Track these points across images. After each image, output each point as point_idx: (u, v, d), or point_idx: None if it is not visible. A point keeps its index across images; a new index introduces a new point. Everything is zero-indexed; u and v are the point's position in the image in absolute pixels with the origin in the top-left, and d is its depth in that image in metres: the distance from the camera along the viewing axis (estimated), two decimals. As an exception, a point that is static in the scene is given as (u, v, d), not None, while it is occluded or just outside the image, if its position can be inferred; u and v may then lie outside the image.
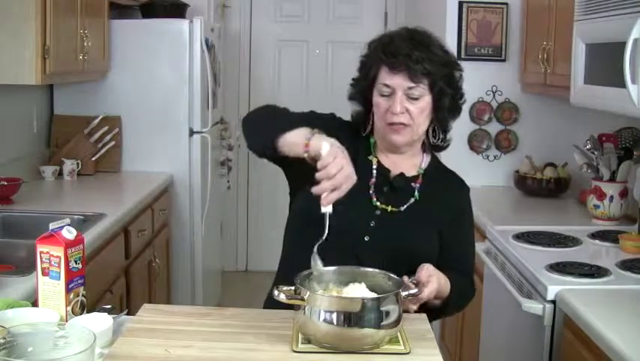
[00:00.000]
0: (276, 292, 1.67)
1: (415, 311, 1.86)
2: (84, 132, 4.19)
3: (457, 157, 4.16)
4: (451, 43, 4.12)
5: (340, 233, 1.83)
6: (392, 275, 1.77)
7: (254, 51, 5.92)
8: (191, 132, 4.35)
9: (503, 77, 4.14)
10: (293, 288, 1.68)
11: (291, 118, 1.96)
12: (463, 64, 4.23)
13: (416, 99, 1.93)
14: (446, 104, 2.00)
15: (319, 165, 1.71)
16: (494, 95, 4.16)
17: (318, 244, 1.74)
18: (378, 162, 2.04)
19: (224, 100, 5.42)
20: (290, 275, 1.73)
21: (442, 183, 2.09)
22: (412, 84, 1.91)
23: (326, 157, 1.71)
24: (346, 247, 1.87)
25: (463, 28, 4.10)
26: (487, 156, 4.22)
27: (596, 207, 3.25)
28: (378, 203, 1.99)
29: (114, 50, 4.22)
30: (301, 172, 1.87)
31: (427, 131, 2.03)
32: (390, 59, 1.92)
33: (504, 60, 4.13)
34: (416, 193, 2.02)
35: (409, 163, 2.07)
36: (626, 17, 2.45)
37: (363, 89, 2.02)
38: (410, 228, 1.99)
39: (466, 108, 4.14)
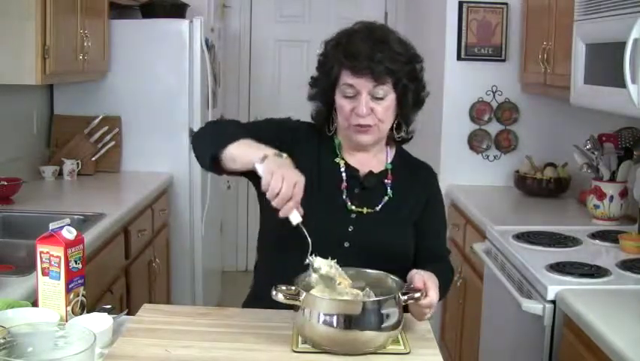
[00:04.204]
0: (274, 292, 1.66)
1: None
2: (84, 132, 4.19)
3: (457, 157, 4.19)
4: (451, 44, 4.12)
5: (320, 243, 1.82)
6: (393, 276, 1.77)
7: (254, 51, 5.93)
8: (191, 132, 4.34)
9: (503, 77, 4.14)
10: (293, 288, 1.68)
11: (233, 131, 1.91)
12: (463, 64, 4.32)
13: (381, 99, 1.90)
14: (410, 99, 1.97)
15: (262, 186, 1.69)
16: (494, 95, 4.16)
17: (308, 255, 1.73)
18: (346, 163, 2.02)
19: (225, 100, 5.42)
20: (275, 282, 1.70)
21: (411, 174, 2.08)
22: (376, 83, 1.89)
23: (265, 177, 1.69)
24: (327, 255, 1.80)
25: (463, 28, 4.10)
26: (487, 156, 4.22)
27: (596, 207, 3.25)
28: (353, 207, 1.97)
29: (114, 50, 4.22)
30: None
31: (392, 126, 2.01)
32: (352, 62, 1.89)
33: (504, 60, 4.13)
34: (389, 191, 2.02)
35: (375, 160, 2.05)
36: (626, 17, 2.45)
37: (324, 89, 1.99)
38: (388, 227, 1.98)
39: (466, 108, 4.17)
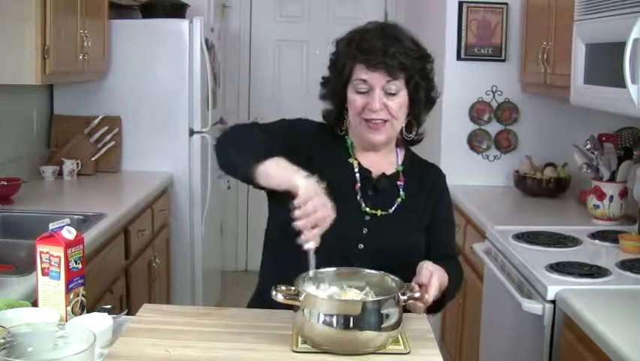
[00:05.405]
0: (274, 292, 1.65)
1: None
2: (84, 132, 4.19)
3: (457, 157, 4.19)
4: (450, 44, 4.13)
5: (334, 244, 1.82)
6: (393, 276, 1.76)
7: (254, 51, 5.93)
8: (191, 132, 4.35)
9: (503, 77, 4.14)
10: (293, 288, 1.68)
11: (258, 145, 1.89)
12: (463, 64, 4.31)
13: (394, 95, 1.90)
14: (422, 98, 1.97)
15: (297, 202, 1.68)
16: (494, 95, 4.16)
17: (306, 275, 1.72)
18: (359, 164, 2.02)
19: (224, 100, 5.42)
20: (281, 282, 1.70)
21: (421, 175, 2.08)
22: (390, 78, 1.89)
23: (304, 196, 1.68)
24: (341, 257, 1.82)
25: (463, 28, 4.10)
26: (487, 156, 4.22)
27: (596, 207, 3.25)
28: (367, 208, 1.97)
29: (114, 50, 4.23)
30: None
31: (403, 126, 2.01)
32: (366, 55, 1.89)
33: (504, 60, 4.13)
34: (402, 193, 2.01)
35: (386, 161, 2.05)
36: (626, 17, 2.46)
37: (336, 88, 1.98)
38: (402, 229, 1.98)
39: (466, 108, 4.17)
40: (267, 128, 2.05)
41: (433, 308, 1.92)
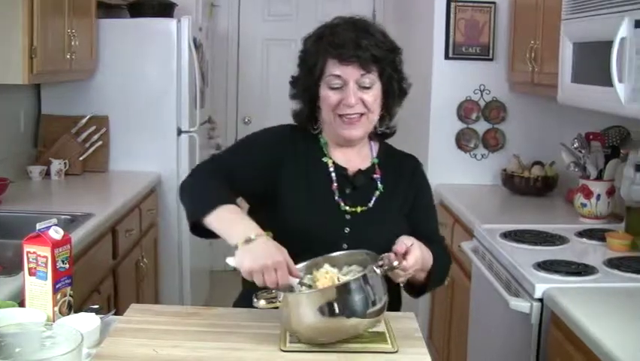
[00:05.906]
0: (255, 300, 1.66)
1: (404, 285, 1.87)
2: (71, 132, 4.18)
3: (444, 156, 4.20)
4: (438, 43, 4.13)
5: (318, 247, 1.81)
6: (367, 251, 1.76)
7: (242, 50, 5.92)
8: (179, 132, 4.34)
9: (491, 75, 4.15)
10: (273, 291, 1.68)
11: (210, 198, 1.91)
12: (451, 63, 4.32)
13: (368, 88, 1.90)
14: (395, 89, 1.97)
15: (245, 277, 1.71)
16: (482, 94, 4.17)
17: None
18: (334, 162, 2.01)
19: (212, 99, 5.41)
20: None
21: (397, 166, 2.08)
22: (364, 72, 1.89)
23: (244, 275, 1.70)
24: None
25: (451, 27, 4.11)
26: (475, 155, 4.22)
27: (583, 205, 3.26)
28: (346, 207, 1.97)
29: (102, 50, 4.21)
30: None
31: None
32: (338, 50, 1.89)
33: (492, 59, 4.14)
34: (380, 186, 2.01)
35: (361, 155, 2.05)
36: (613, 16, 2.47)
37: (307, 85, 1.97)
38: (384, 223, 1.98)
39: (453, 107, 4.18)
40: (231, 157, 2.08)
41: (417, 290, 1.94)
